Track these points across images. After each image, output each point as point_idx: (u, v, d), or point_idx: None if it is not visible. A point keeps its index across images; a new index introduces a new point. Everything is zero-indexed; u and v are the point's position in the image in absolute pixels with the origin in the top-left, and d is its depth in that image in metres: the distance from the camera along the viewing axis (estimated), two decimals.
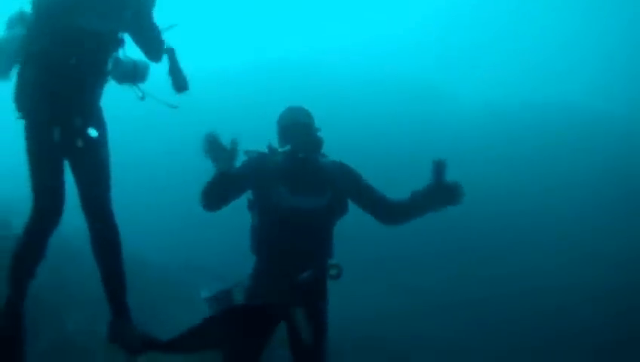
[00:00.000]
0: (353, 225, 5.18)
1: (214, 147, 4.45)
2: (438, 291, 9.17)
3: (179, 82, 4.87)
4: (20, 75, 4.63)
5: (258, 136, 4.83)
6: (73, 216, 4.88)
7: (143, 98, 5.05)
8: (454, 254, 10.05)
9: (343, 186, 4.71)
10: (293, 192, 4.59)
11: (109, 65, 4.81)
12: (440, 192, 4.50)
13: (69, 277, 7.44)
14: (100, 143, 4.81)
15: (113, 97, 5.12)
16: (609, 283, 9.38)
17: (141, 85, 5.10)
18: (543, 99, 14.96)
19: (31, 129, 4.58)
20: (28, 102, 4.58)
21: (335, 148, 4.89)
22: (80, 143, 4.64)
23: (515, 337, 8.16)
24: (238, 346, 4.53)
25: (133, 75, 5.00)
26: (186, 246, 9.56)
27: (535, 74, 16.73)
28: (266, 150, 4.78)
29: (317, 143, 4.63)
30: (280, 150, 4.68)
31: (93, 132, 4.74)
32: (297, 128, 4.62)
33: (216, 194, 4.59)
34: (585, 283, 9.30)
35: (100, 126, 4.86)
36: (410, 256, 9.69)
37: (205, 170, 4.60)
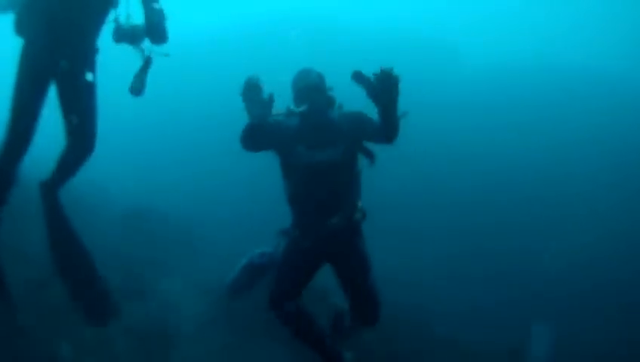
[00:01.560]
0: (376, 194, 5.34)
1: (253, 90, 4.62)
2: (457, 260, 9.12)
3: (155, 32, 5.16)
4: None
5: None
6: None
7: (143, 52, 5.28)
8: (468, 220, 9.98)
9: (352, 133, 4.99)
10: (311, 149, 4.94)
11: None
12: (377, 92, 4.55)
13: None
14: (92, 86, 5.16)
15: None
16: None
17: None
18: (549, 60, 14.77)
19: (27, 49, 4.74)
20: (31, 23, 4.74)
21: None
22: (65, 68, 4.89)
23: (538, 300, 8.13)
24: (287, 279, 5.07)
25: (131, 36, 5.25)
26: (201, 200, 9.54)
27: (542, 34, 16.47)
28: (285, 111, 5.02)
29: (328, 103, 5.02)
30: (296, 111, 4.96)
31: (89, 76, 5.10)
32: (310, 90, 4.94)
33: (251, 142, 4.87)
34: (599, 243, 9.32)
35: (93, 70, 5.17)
36: (428, 224, 9.71)
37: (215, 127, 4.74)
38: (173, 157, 10.65)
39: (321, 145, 4.93)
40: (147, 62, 5.26)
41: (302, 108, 4.91)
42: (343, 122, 5.01)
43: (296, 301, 5.05)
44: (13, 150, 4.91)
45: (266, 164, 5.40)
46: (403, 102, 4.68)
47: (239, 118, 4.86)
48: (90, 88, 5.18)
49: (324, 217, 4.96)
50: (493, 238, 9.68)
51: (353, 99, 4.88)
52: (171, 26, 5.21)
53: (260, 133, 4.80)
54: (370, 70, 4.54)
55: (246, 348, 6.76)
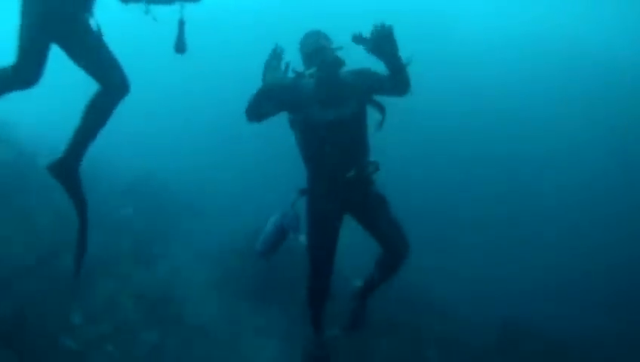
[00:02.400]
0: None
1: (276, 58, 4.87)
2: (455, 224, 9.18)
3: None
4: None
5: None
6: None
7: (147, 13, 5.14)
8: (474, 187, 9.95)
9: (364, 89, 5.07)
10: (324, 108, 4.99)
11: None
12: (376, 45, 4.78)
13: None
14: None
15: None
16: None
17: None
18: (547, 32, 14.56)
19: None
20: None
21: None
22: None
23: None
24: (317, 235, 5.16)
25: None
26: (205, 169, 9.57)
27: (540, 7, 16.17)
28: (293, 75, 5.05)
29: (338, 62, 4.98)
30: (307, 73, 5.02)
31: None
32: (319, 52, 4.97)
33: (256, 110, 4.96)
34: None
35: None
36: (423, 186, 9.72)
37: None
38: (178, 127, 10.63)
39: (335, 103, 5.02)
40: (181, 24, 5.27)
41: (313, 69, 4.99)
42: (354, 79, 5.10)
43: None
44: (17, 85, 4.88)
45: (271, 134, 5.43)
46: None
47: (246, 87, 4.95)
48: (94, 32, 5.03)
49: (340, 172, 5.07)
50: (494, 206, 9.67)
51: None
52: None
53: (267, 100, 4.92)
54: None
55: (249, 311, 6.90)
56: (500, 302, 7.67)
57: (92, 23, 5.05)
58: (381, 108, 5.20)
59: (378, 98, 5.19)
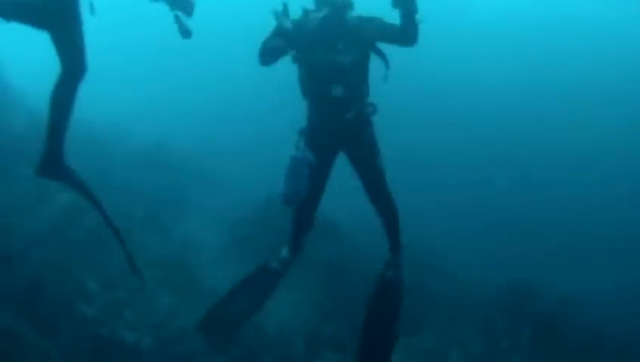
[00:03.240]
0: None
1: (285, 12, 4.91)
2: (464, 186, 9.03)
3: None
4: None
5: None
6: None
7: None
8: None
9: (368, 35, 5.09)
10: (328, 49, 5.02)
11: None
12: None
13: None
14: None
15: None
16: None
17: None
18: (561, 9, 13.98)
19: None
20: None
21: None
22: None
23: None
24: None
25: None
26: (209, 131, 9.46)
27: None
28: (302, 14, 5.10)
29: (347, 6, 5.05)
30: (317, 15, 5.05)
31: None
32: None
33: (270, 52, 4.99)
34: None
35: None
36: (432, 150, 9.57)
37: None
38: (190, 96, 10.48)
39: (340, 47, 5.05)
40: (176, 16, 5.18)
41: (323, 12, 5.02)
42: (361, 25, 5.12)
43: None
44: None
45: (284, 102, 5.36)
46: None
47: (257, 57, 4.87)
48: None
49: (339, 113, 5.12)
50: (502, 168, 9.57)
51: None
52: None
53: (279, 37, 4.96)
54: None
55: None
56: (507, 264, 7.70)
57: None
58: (385, 59, 5.21)
59: (382, 47, 5.19)
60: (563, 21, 13.62)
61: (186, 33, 5.27)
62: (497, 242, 8.16)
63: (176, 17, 5.21)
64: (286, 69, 5.29)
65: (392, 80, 5.22)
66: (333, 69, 5.04)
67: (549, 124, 10.64)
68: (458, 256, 7.88)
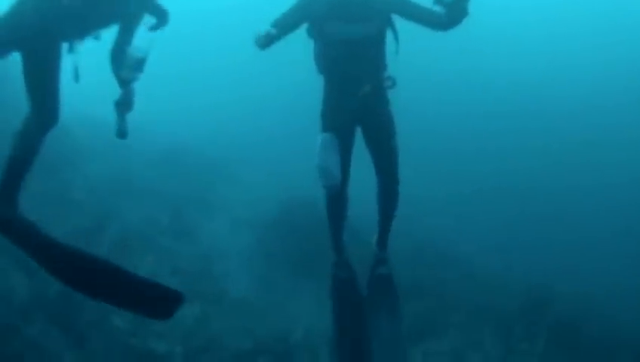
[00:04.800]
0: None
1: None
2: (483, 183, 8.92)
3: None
4: None
5: None
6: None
7: None
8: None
9: (388, 8, 4.76)
10: (345, 23, 4.72)
11: None
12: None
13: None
14: None
15: None
16: None
17: None
18: None
19: None
20: None
21: None
22: None
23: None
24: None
25: None
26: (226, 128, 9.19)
27: None
28: None
29: None
30: None
31: None
32: None
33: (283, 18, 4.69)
34: None
35: None
36: (450, 140, 9.41)
37: None
38: (213, 96, 10.18)
39: (355, 20, 4.73)
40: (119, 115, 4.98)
41: None
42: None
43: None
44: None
45: (308, 102, 5.18)
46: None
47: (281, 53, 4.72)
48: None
49: (355, 87, 4.83)
50: (520, 170, 9.45)
51: None
52: None
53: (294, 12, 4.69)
54: None
55: (286, 280, 6.82)
56: (526, 266, 7.63)
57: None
58: (396, 34, 4.94)
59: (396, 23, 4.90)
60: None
61: (122, 133, 4.99)
62: (515, 240, 8.07)
63: (119, 114, 4.91)
64: (309, 68, 5.15)
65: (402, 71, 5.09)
66: (345, 46, 4.76)
67: (570, 117, 10.40)
68: (476, 252, 7.81)
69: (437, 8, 4.59)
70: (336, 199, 5.02)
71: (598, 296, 7.29)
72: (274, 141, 8.92)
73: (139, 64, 4.96)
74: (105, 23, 4.80)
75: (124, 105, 4.94)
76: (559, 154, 9.58)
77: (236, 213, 7.59)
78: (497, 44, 10.86)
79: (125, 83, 4.93)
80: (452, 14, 4.58)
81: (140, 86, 5.37)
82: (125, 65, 4.98)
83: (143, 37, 5.09)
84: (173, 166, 8.20)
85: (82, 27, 4.71)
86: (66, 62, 4.67)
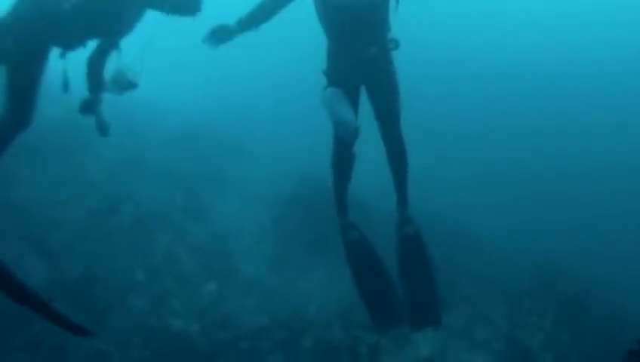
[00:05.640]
0: None
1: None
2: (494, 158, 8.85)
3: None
4: None
5: None
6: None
7: None
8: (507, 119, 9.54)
9: None
10: None
11: None
12: None
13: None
14: None
15: None
16: None
17: None
18: None
19: None
20: None
21: None
22: None
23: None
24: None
25: None
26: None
27: None
28: None
29: None
30: None
31: None
32: None
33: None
34: None
35: None
36: (459, 120, 9.29)
37: None
38: (225, 73, 9.97)
39: None
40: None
41: None
42: None
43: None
44: None
45: (318, 78, 5.09)
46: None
47: (292, 34, 4.61)
48: None
49: (359, 50, 4.78)
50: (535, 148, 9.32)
51: None
52: None
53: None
54: None
55: (299, 257, 6.84)
56: (535, 243, 7.62)
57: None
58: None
59: None
60: None
61: (103, 130, 4.91)
62: (524, 215, 8.04)
63: (97, 116, 4.82)
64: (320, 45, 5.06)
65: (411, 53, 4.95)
66: (346, 11, 4.66)
67: (581, 97, 10.19)
68: (485, 229, 7.79)
69: None
70: (346, 154, 4.91)
71: (605, 274, 7.30)
72: (286, 118, 8.80)
73: (128, 86, 4.92)
74: (100, 32, 4.73)
75: (87, 108, 4.91)
76: (568, 134, 9.43)
77: (249, 190, 7.57)
78: (511, 20, 10.59)
79: (98, 91, 4.86)
80: None
81: (151, 64, 5.30)
82: (114, 81, 4.93)
83: (136, 53, 5.03)
84: (186, 144, 8.11)
85: (78, 34, 4.65)
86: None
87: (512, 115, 9.62)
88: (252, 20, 4.68)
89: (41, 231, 5.66)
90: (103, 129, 4.91)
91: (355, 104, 4.89)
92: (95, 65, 4.81)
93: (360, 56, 4.77)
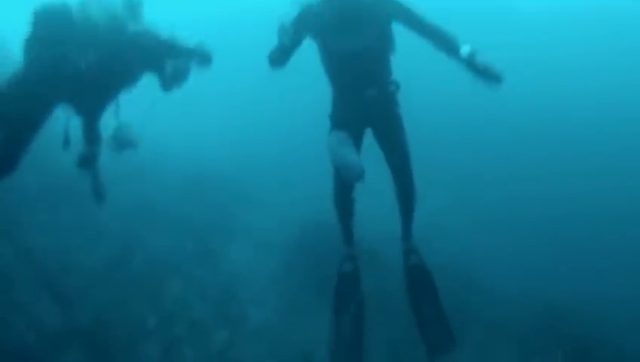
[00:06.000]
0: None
1: (284, 30, 4.64)
2: (502, 206, 8.95)
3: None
4: None
5: None
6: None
7: None
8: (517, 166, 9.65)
9: (388, 18, 4.73)
10: (340, 35, 4.70)
11: None
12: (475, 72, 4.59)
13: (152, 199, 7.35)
14: None
15: None
16: None
17: None
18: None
19: None
20: None
21: None
22: None
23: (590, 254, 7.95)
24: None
25: None
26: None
27: None
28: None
29: None
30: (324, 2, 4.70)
31: None
32: None
33: (277, 57, 4.78)
34: None
35: None
36: (472, 164, 9.45)
37: None
38: (232, 120, 10.11)
39: (351, 31, 4.72)
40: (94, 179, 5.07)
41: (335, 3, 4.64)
42: (378, 6, 4.73)
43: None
44: None
45: (321, 127, 5.21)
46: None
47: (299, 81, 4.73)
48: None
49: (360, 92, 4.83)
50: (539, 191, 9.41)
51: None
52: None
53: (284, 50, 4.75)
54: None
55: (309, 304, 6.80)
56: (543, 287, 7.61)
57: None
58: (392, 45, 4.93)
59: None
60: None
61: (99, 197, 5.06)
62: (533, 257, 8.04)
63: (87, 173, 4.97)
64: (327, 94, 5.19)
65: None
66: (345, 58, 4.76)
67: (590, 144, 10.27)
68: (494, 270, 7.77)
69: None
70: (347, 196, 5.02)
71: (611, 316, 7.28)
72: (294, 165, 8.87)
73: (129, 145, 5.06)
74: (109, 90, 4.90)
75: (86, 164, 5.00)
76: (572, 182, 9.49)
77: (259, 237, 7.60)
78: (522, 65, 10.78)
79: (96, 147, 4.97)
80: (484, 79, 4.58)
81: (160, 111, 5.43)
82: (115, 138, 5.06)
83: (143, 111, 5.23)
84: (197, 192, 8.21)
85: (88, 92, 4.80)
86: None
87: (521, 164, 9.67)
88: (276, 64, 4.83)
89: (54, 277, 5.65)
90: (98, 195, 4.99)
91: (357, 146, 4.95)
92: (93, 120, 4.93)
93: (360, 98, 4.85)
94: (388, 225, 6.02)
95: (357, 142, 5.01)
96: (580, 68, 11.11)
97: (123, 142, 5.06)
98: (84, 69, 4.57)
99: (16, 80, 4.50)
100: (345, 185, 4.95)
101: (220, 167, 8.66)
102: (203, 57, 5.01)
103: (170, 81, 5.15)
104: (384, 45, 4.86)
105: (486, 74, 4.53)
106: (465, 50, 4.56)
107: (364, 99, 4.85)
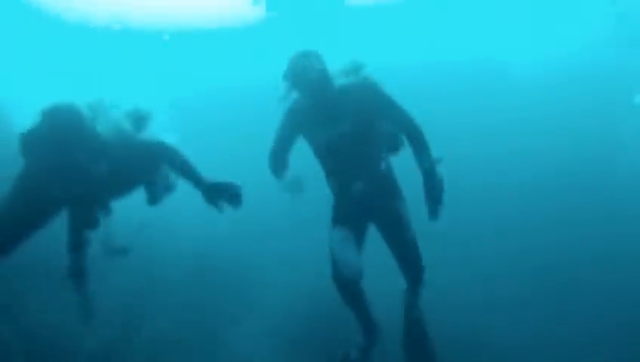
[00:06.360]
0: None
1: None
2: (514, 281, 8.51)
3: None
4: None
5: None
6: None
7: None
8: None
9: (365, 107, 4.82)
10: (321, 129, 4.84)
11: None
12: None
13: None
14: None
15: None
16: None
17: None
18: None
19: None
20: None
21: None
22: None
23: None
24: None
25: None
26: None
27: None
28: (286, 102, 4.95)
29: (324, 84, 4.73)
30: (301, 98, 4.87)
31: None
32: (316, 84, 4.73)
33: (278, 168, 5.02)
34: None
35: None
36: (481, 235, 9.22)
37: None
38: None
39: (330, 123, 4.80)
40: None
41: (308, 99, 4.79)
42: (349, 95, 4.81)
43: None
44: None
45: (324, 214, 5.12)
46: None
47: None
48: None
49: (348, 185, 4.89)
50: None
51: None
52: None
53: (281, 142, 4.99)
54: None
55: None
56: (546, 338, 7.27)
57: None
58: (378, 134, 5.02)
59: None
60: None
61: (88, 315, 5.15)
62: (533, 313, 7.72)
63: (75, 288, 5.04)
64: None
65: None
66: (327, 149, 4.86)
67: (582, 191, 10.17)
68: (496, 328, 7.46)
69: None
70: (353, 290, 4.92)
71: None
72: (298, 249, 8.65)
73: (119, 253, 5.11)
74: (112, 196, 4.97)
75: (76, 274, 4.99)
76: (569, 232, 9.31)
77: (264, 322, 7.27)
78: (508, 126, 10.83)
79: (81, 250, 4.99)
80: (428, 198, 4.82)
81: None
82: (104, 245, 5.10)
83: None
84: (199, 273, 7.93)
85: (90, 199, 4.84)
86: None
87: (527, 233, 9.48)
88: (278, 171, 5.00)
89: (51, 359, 5.44)
90: (87, 313, 4.96)
91: (360, 240, 4.96)
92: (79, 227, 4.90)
93: (349, 193, 4.89)
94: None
95: (359, 237, 4.98)
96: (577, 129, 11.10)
97: (112, 250, 5.11)
98: (96, 177, 4.65)
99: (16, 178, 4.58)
100: (346, 286, 4.88)
101: (220, 246, 8.50)
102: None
103: (162, 192, 5.30)
104: (365, 132, 4.87)
105: (431, 194, 4.77)
106: (426, 163, 4.79)
107: (352, 194, 4.88)
